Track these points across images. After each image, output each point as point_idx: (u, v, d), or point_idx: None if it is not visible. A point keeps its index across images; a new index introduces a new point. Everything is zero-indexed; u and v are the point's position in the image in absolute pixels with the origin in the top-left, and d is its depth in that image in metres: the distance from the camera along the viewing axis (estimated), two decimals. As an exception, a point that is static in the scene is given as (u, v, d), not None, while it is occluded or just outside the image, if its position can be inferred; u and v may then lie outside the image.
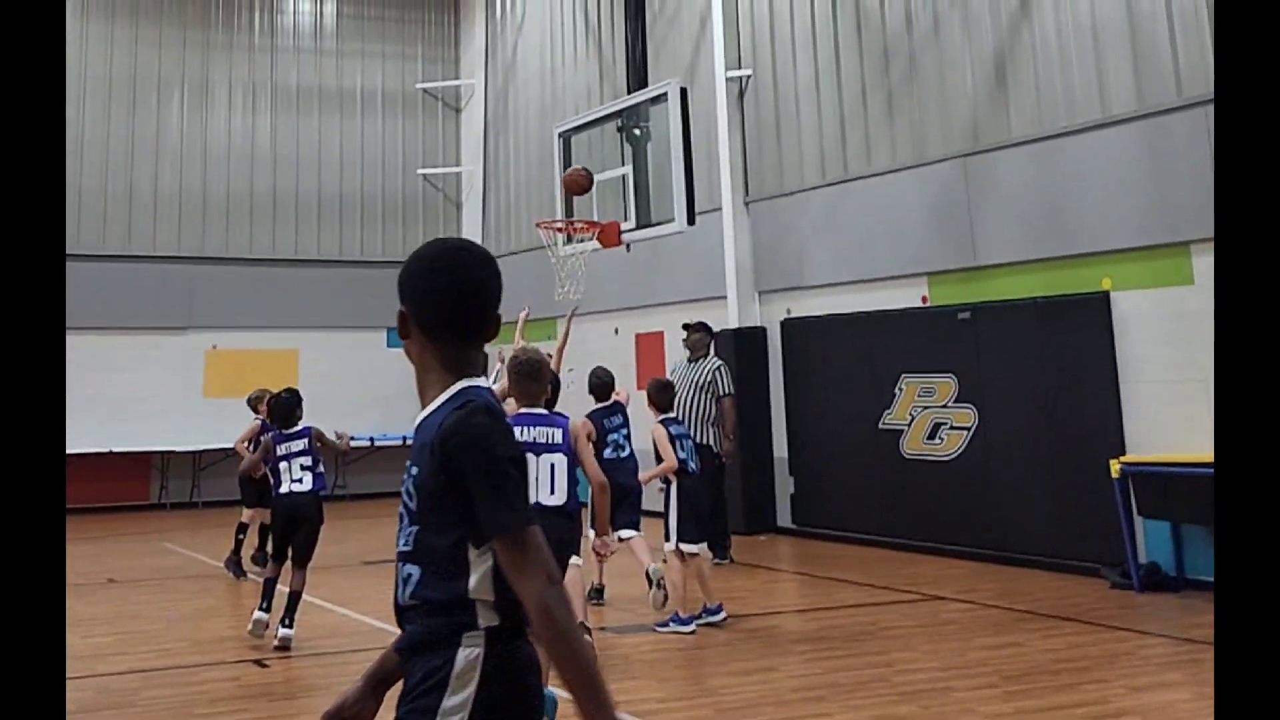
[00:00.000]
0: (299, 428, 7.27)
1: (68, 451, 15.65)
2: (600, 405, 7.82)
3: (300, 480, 7.05)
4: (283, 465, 7.10)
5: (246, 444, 9.60)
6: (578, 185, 10.01)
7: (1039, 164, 9.28)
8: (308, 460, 7.10)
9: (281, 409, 7.36)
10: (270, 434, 7.45)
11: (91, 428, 14.76)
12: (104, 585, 9.51)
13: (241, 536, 9.57)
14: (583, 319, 14.28)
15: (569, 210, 11.03)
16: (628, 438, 7.89)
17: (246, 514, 9.55)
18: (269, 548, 7.68)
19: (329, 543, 11.11)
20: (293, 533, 7.08)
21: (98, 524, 13.63)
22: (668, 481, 7.41)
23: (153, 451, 15.56)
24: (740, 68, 12.50)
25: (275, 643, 6.84)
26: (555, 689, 5.24)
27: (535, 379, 5.10)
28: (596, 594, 8.12)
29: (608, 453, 7.73)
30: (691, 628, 7.11)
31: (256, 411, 9.85)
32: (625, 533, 7.63)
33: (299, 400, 7.45)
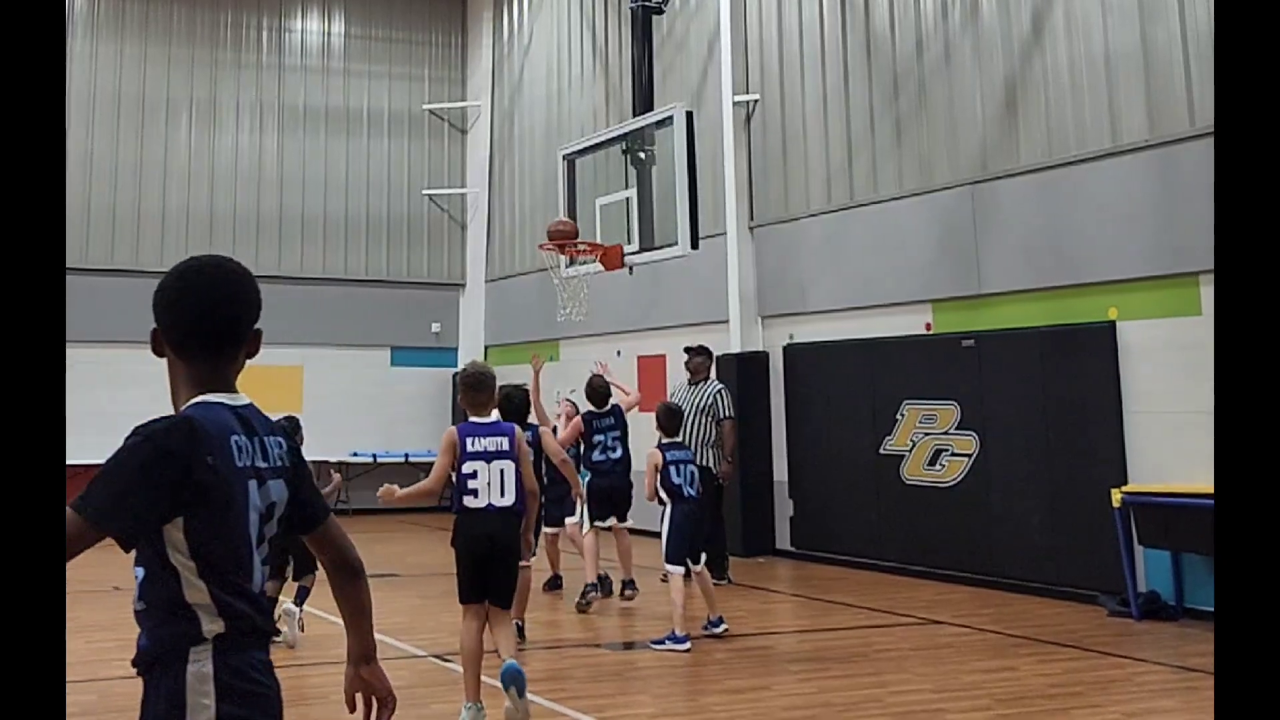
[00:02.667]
0: None
1: (73, 463, 15.74)
2: (595, 409, 8.43)
3: None
4: None
5: None
6: (562, 236, 10.17)
7: (1047, 192, 9.32)
8: None
9: None
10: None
11: (97, 440, 14.64)
12: (109, 593, 9.53)
13: None
14: (585, 341, 14.40)
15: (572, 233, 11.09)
16: (618, 439, 8.44)
17: None
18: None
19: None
20: (279, 552, 7.42)
21: (101, 535, 13.65)
22: (664, 503, 7.50)
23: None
24: (748, 92, 12.61)
25: (278, 614, 7.17)
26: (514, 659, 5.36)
27: (479, 389, 5.53)
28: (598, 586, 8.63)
29: (596, 454, 8.38)
30: (686, 645, 7.17)
31: None
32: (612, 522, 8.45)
33: (297, 427, 7.66)
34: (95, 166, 16.16)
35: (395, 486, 5.55)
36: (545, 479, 8.43)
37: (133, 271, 16.17)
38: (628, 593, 8.55)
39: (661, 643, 7.23)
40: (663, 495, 7.47)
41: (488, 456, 5.44)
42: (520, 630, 7.39)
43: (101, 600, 9.23)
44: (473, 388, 5.55)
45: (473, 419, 5.57)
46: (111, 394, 15.43)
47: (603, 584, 8.83)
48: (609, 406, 8.54)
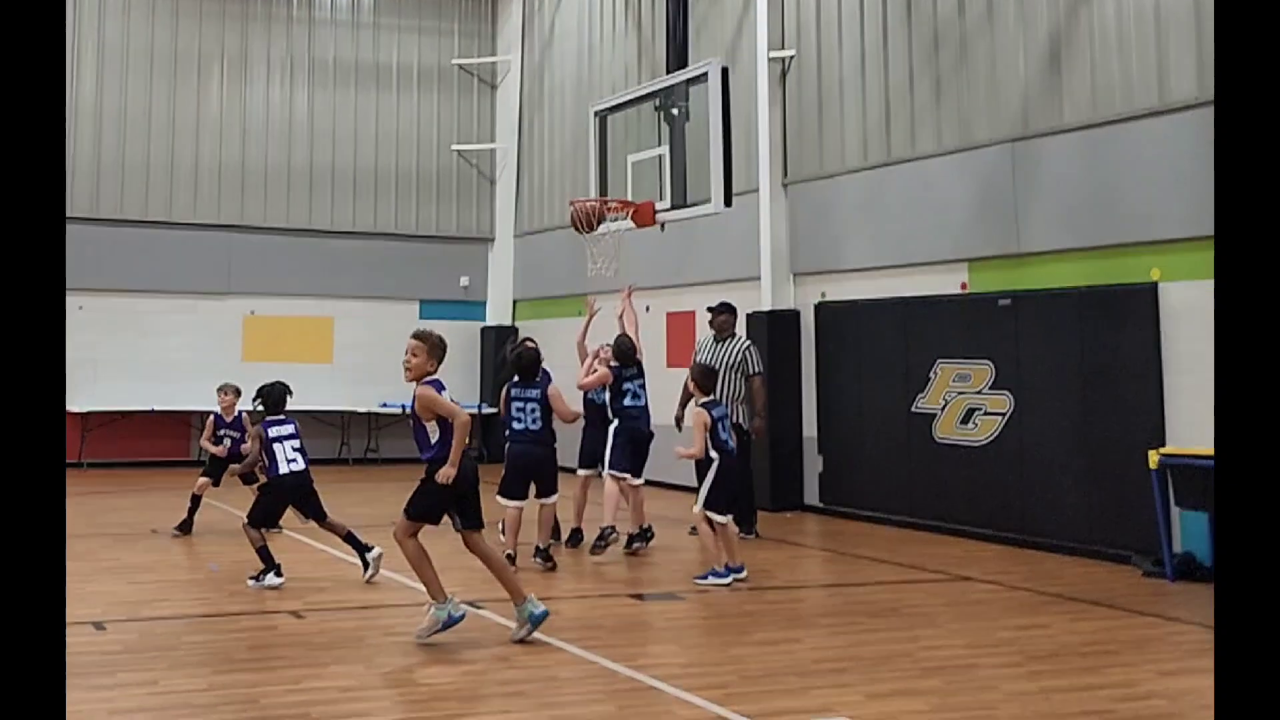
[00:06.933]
0: (284, 416, 7.98)
1: (108, 408, 15.93)
2: (621, 364, 9.00)
3: (295, 460, 7.77)
4: (276, 447, 7.77)
5: (211, 438, 9.98)
6: (586, 218, 10.20)
7: (1090, 151, 9.19)
8: (297, 443, 7.83)
9: (274, 397, 8.02)
10: (261, 424, 8.08)
11: (135, 387, 15.31)
12: (147, 536, 9.76)
13: (194, 506, 9.71)
14: (614, 297, 14.34)
15: (603, 189, 11.04)
16: (643, 387, 9.05)
17: (200, 483, 9.74)
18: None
19: (361, 504, 11.30)
20: (289, 504, 7.89)
21: (140, 478, 13.99)
22: (710, 460, 7.80)
23: (192, 411, 15.75)
24: (784, 48, 12.45)
25: (368, 573, 7.64)
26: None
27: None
28: (643, 538, 8.99)
29: (627, 400, 8.98)
30: (729, 580, 7.60)
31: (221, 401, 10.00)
32: (635, 480, 8.87)
33: (288, 391, 8.21)
34: (129, 119, 16.24)
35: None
36: (584, 419, 9.19)
37: (166, 224, 16.34)
38: (636, 545, 8.88)
39: (705, 578, 7.66)
40: (711, 452, 7.79)
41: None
42: (547, 554, 8.15)
43: (141, 542, 9.43)
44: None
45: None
46: (146, 342, 15.86)
47: (643, 533, 9.03)
48: (633, 362, 9.06)
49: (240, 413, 9.84)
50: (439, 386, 6.08)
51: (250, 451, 8.79)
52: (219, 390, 9.95)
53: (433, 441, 6.05)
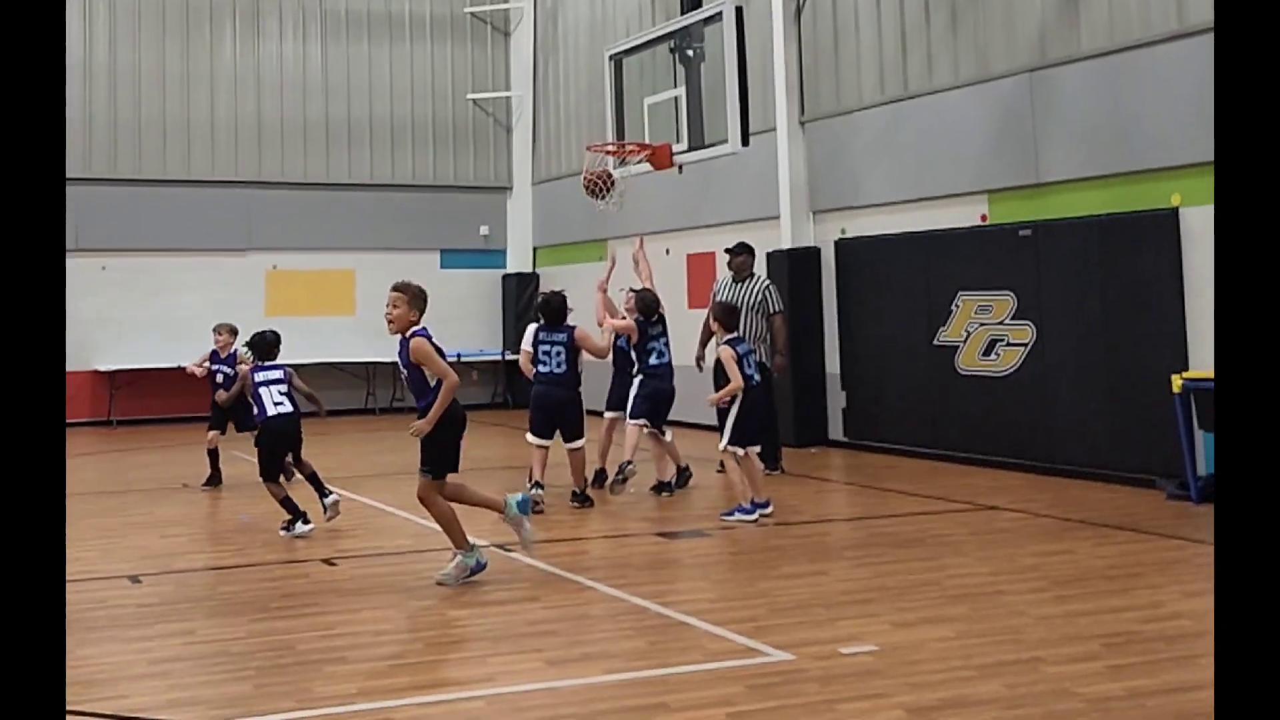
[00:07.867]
0: (275, 363, 8.13)
1: (138, 366, 16.06)
2: (646, 318, 8.99)
3: (281, 404, 7.89)
4: (262, 391, 7.92)
5: (201, 365, 10.15)
6: (594, 182, 10.15)
7: (1109, 78, 9.06)
8: (283, 388, 7.97)
9: (264, 345, 8.19)
10: (250, 367, 8.29)
11: (161, 345, 15.37)
12: (178, 490, 9.91)
13: (213, 460, 9.86)
14: (634, 241, 14.34)
15: (620, 133, 10.99)
16: (667, 345, 9.01)
17: (210, 437, 9.87)
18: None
19: (389, 452, 11.41)
20: (285, 449, 8.02)
21: (169, 434, 14.18)
22: (733, 396, 7.89)
23: (218, 367, 15.96)
24: (797, -17, 12.29)
25: (327, 515, 7.73)
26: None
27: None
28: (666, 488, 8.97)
29: (652, 358, 8.95)
30: (755, 516, 7.68)
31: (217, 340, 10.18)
32: (665, 437, 8.93)
33: (279, 339, 8.38)
34: (143, 78, 16.23)
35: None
36: (614, 366, 9.24)
37: (185, 182, 16.38)
38: (664, 494, 8.92)
39: (731, 514, 7.76)
40: None
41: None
42: (584, 496, 8.38)
43: (172, 496, 9.58)
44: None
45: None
46: (172, 299, 15.96)
47: (681, 475, 9.12)
48: (656, 316, 9.05)
49: (235, 351, 9.97)
50: (429, 336, 6.13)
51: (234, 390, 9.30)
52: (214, 330, 10.13)
53: (432, 385, 6.12)
